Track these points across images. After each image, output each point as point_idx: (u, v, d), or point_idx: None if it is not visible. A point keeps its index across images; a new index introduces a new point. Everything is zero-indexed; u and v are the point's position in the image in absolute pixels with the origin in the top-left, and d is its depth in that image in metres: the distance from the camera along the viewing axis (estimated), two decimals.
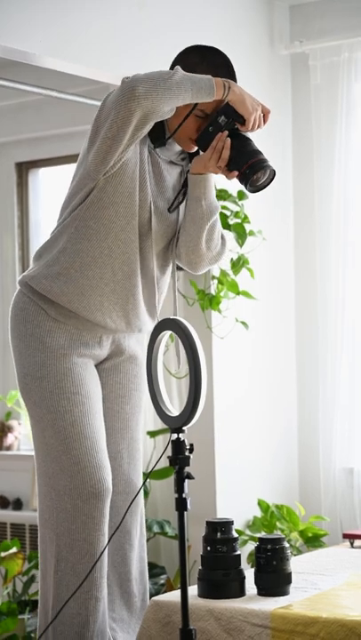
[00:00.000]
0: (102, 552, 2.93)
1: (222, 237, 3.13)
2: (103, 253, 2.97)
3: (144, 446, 4.47)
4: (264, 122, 2.99)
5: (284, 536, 3.01)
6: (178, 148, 3.07)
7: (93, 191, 2.96)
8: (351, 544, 3.73)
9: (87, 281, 2.98)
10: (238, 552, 2.99)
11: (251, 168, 2.92)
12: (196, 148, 3.06)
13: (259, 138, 5.23)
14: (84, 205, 2.97)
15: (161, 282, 3.13)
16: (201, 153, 3.02)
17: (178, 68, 2.86)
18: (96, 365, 3.11)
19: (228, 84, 2.91)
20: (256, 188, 2.96)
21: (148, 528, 4.38)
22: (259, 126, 2.98)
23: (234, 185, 4.52)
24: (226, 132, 2.93)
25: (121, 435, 3.15)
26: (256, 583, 2.99)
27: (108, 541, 2.98)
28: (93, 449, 2.96)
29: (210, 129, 2.94)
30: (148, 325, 3.12)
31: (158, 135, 3.02)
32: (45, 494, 3.01)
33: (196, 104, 2.94)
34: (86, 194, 2.97)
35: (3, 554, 4.43)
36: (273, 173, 2.95)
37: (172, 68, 3.02)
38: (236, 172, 2.94)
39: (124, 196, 2.96)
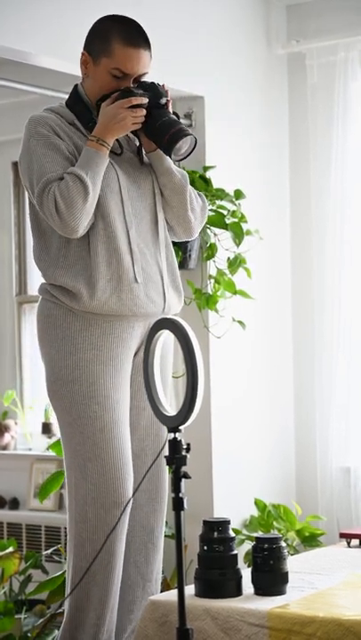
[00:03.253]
0: (98, 553, 2.92)
1: (198, 195, 3.18)
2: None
3: None
4: (166, 94, 3.03)
5: (281, 535, 3.01)
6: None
7: None
8: (348, 543, 3.72)
9: (91, 259, 2.96)
10: (235, 551, 2.98)
11: (172, 137, 2.99)
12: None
13: (256, 137, 5.20)
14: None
15: (163, 246, 3.12)
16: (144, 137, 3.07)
17: (81, 176, 2.88)
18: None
19: (96, 137, 2.95)
20: (180, 157, 3.04)
21: None
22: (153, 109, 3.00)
23: (231, 184, 4.52)
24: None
25: (146, 432, 3.12)
26: (253, 582, 2.98)
27: (110, 534, 2.94)
28: (120, 453, 2.95)
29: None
30: (174, 301, 3.11)
31: (86, 115, 3.06)
32: (68, 504, 3.01)
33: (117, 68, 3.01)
34: None
35: None
36: (194, 141, 3.02)
37: (89, 38, 3.12)
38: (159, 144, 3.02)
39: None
